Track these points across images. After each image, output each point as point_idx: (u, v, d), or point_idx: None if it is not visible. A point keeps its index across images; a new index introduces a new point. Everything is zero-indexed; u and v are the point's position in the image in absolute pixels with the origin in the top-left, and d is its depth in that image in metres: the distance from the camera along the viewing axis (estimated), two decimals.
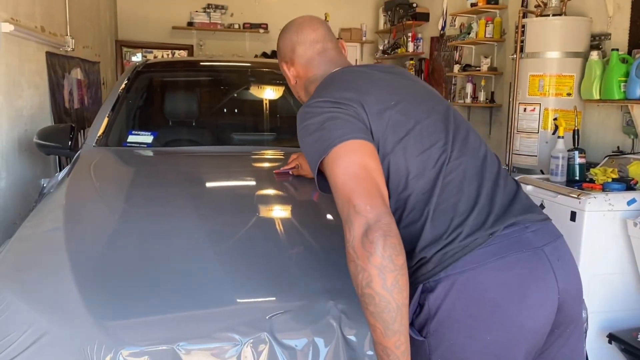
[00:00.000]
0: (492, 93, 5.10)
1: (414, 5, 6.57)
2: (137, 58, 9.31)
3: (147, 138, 2.55)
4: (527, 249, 1.11)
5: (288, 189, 2.09)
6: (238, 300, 1.32)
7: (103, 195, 1.93)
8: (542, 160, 3.63)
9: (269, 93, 3.09)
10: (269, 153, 2.53)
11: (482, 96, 5.11)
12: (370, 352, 1.25)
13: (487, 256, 1.08)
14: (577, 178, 3.09)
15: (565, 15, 3.64)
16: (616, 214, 2.64)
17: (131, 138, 2.54)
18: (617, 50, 3.26)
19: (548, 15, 3.63)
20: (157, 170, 2.25)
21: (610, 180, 2.94)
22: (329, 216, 1.80)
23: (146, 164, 2.37)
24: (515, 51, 3.74)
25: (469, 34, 5.18)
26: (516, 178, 3.26)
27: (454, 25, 5.80)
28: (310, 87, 1.37)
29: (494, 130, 5.20)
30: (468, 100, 5.30)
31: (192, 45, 7.52)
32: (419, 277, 1.13)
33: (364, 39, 7.85)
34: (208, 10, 7.40)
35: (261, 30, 7.55)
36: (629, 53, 3.36)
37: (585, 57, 3.55)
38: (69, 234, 1.57)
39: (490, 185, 1.18)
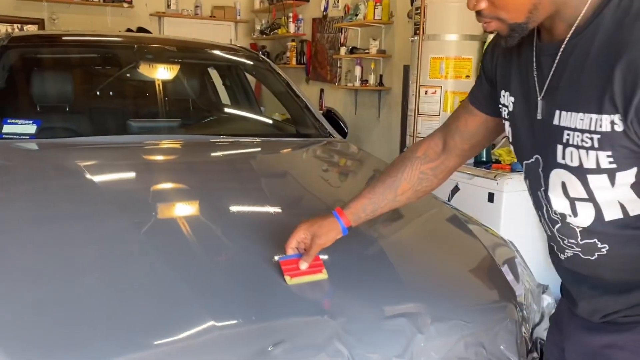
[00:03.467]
0: (381, 76, 5.13)
1: None
2: None
3: (29, 128, 2.08)
4: None
5: (249, 182, 1.86)
6: (226, 328, 1.05)
7: None
8: None
9: (177, 72, 2.73)
10: (189, 142, 2.23)
11: (372, 79, 5.12)
12: None
13: None
14: (484, 159, 3.17)
15: None
16: None
17: (7, 128, 2.05)
18: None
19: None
20: (53, 168, 1.84)
21: (516, 160, 3.06)
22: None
23: (35, 160, 1.93)
24: (415, 33, 3.73)
25: (356, 15, 5.13)
26: None
27: (338, 7, 5.73)
28: (566, 10, 0.88)
29: (382, 113, 5.24)
30: (357, 83, 5.27)
31: (42, 20, 6.59)
32: None
33: (238, 17, 7.50)
34: None
35: (125, 5, 6.85)
36: None
37: (481, 40, 3.65)
38: None
39: None
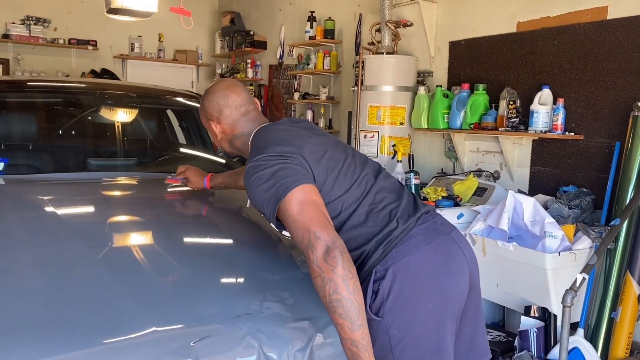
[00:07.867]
0: (330, 120, 5.52)
1: (252, 33, 6.81)
2: None
3: None
4: (442, 235, 1.47)
5: (188, 212, 2.12)
6: (158, 328, 1.32)
7: None
8: None
9: (135, 116, 3.01)
10: (139, 179, 2.50)
11: (322, 123, 5.50)
12: None
13: (419, 244, 1.42)
14: None
15: (397, 54, 4.15)
16: None
17: None
18: (441, 86, 3.81)
19: (382, 53, 4.10)
20: (18, 201, 2.09)
21: (440, 198, 3.43)
22: (229, 239, 1.87)
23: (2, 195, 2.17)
24: (355, 84, 4.13)
25: (308, 64, 5.54)
26: None
27: (292, 55, 6.15)
28: (236, 142, 1.67)
29: None
30: None
31: (7, 60, 6.80)
32: (370, 266, 1.42)
33: (200, 61, 7.87)
34: (27, 22, 6.76)
35: (90, 47, 7.13)
36: (449, 89, 3.96)
37: (413, 91, 4.07)
38: None
39: (403, 194, 1.55)
